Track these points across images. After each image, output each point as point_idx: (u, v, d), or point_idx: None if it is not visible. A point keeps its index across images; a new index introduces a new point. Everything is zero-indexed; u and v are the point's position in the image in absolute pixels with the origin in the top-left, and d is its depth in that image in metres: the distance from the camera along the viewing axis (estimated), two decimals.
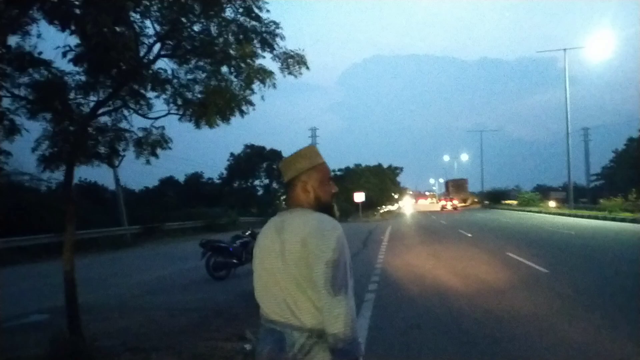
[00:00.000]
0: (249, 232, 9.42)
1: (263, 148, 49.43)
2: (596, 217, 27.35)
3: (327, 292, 1.48)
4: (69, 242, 4.82)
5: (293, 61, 5.44)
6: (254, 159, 47.92)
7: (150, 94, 6.04)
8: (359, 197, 35.99)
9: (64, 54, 4.80)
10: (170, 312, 6.72)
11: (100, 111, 5.49)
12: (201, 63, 5.79)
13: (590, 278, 8.19)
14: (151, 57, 5.47)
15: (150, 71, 5.60)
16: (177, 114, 5.79)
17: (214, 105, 5.48)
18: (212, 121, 5.63)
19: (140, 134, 6.20)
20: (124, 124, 6.09)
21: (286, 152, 54.14)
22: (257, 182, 50.74)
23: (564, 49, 35.20)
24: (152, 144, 6.19)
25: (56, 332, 4.60)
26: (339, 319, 1.47)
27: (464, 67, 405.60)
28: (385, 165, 66.33)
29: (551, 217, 31.77)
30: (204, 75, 5.93)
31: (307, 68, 5.62)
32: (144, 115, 6.03)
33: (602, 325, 5.23)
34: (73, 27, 4.46)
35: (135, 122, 6.19)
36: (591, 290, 7.14)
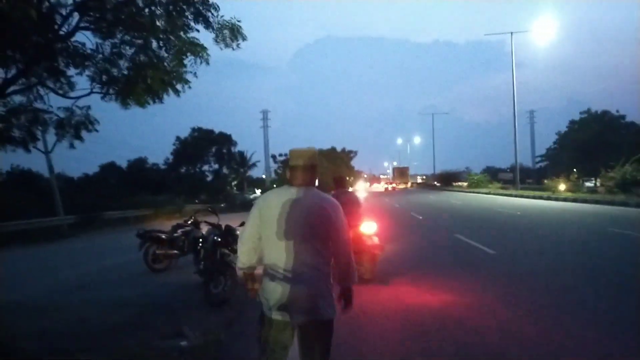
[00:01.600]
0: (191, 220, 8.89)
1: (212, 131, 48.15)
2: (541, 197, 28.56)
3: (347, 238, 2.54)
4: None
5: (229, 32, 5.03)
6: (202, 143, 46.59)
7: (72, 71, 5.46)
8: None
9: None
10: (103, 309, 6.21)
11: (11, 89, 4.86)
12: (128, 37, 5.26)
13: (534, 259, 8.34)
14: (69, 29, 4.89)
15: (68, 45, 5.01)
16: (100, 92, 5.24)
17: (143, 82, 4.98)
18: (141, 99, 5.14)
19: (62, 115, 5.61)
20: (42, 105, 5.48)
21: (237, 136, 52.99)
22: (206, 167, 49.46)
23: (511, 33, 36.22)
24: (75, 126, 5.63)
25: None
26: (353, 257, 2.60)
27: (416, 50, 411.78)
28: (339, 149, 66.61)
29: (499, 198, 32.90)
30: (131, 50, 5.39)
31: (244, 39, 5.22)
32: (63, 95, 5.43)
33: (545, 306, 5.26)
34: None
35: (59, 102, 5.59)
36: (535, 271, 7.24)
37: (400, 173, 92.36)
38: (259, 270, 2.61)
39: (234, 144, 52.21)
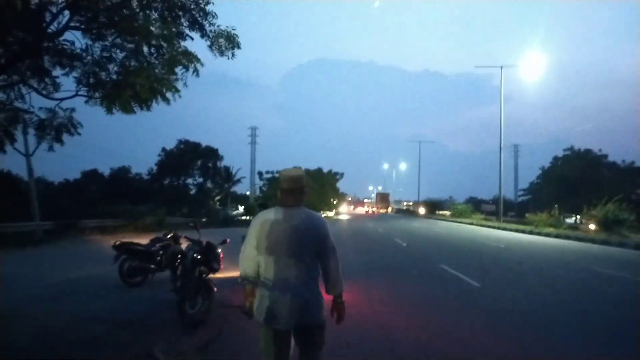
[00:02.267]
0: (171, 234, 8.54)
1: (198, 144, 47.65)
2: (523, 231, 28.65)
3: (334, 253, 2.86)
4: None
5: (224, 41, 4.87)
6: (188, 155, 46.05)
7: (58, 71, 5.24)
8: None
9: None
10: (69, 323, 5.86)
11: None
12: (119, 40, 5.06)
13: (518, 293, 8.20)
14: (58, 28, 4.68)
15: (56, 43, 4.79)
16: (85, 95, 5.00)
17: (131, 88, 4.77)
18: (127, 106, 4.92)
19: (43, 116, 5.35)
20: (22, 104, 5.22)
21: (224, 150, 52.89)
22: (190, 181, 48.77)
23: (501, 67, 36.86)
24: (57, 128, 5.37)
25: None
26: (339, 270, 2.90)
27: (406, 78, 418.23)
28: (325, 170, 66.44)
29: (482, 229, 32.96)
30: (122, 54, 5.19)
31: (239, 47, 5.06)
32: (47, 95, 5.18)
33: (531, 342, 5.09)
34: None
35: (41, 103, 5.33)
36: (520, 307, 7.09)
37: (382, 198, 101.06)
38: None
39: (220, 158, 51.76)
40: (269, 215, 2.82)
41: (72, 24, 4.54)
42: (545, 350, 4.96)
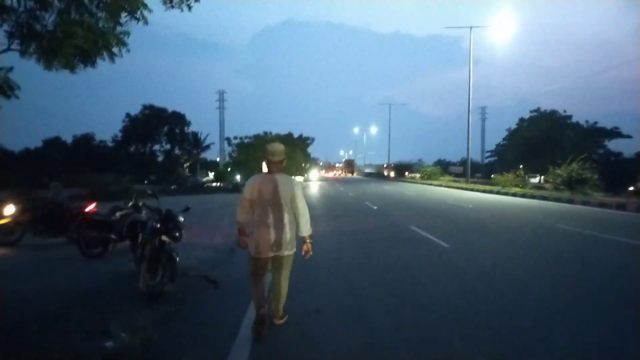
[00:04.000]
0: (131, 203, 8.10)
1: (164, 110, 46.05)
2: (490, 192, 29.20)
3: (303, 205, 4.06)
4: None
5: None
6: (154, 122, 44.51)
7: None
8: (265, 166, 34.98)
9: None
10: (20, 299, 5.47)
11: None
12: None
13: (488, 253, 8.21)
14: None
15: None
16: (18, 50, 4.44)
17: (71, 41, 4.24)
18: (69, 61, 4.39)
19: None
20: None
21: (192, 116, 51.64)
22: (157, 147, 47.41)
23: (470, 27, 36.54)
24: None
25: None
26: (308, 217, 4.12)
27: (377, 40, 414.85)
28: (296, 135, 65.62)
29: (450, 190, 33.42)
30: (60, 4, 4.61)
31: (197, 0, 4.56)
32: None
33: (503, 304, 5.03)
34: None
35: None
36: (489, 267, 7.08)
37: (348, 164, 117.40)
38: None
39: (188, 124, 50.34)
40: (259, 178, 4.10)
41: None
42: (517, 309, 4.91)
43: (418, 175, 62.44)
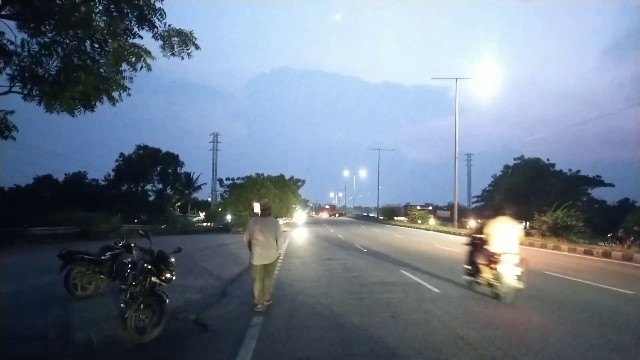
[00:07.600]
0: (122, 242, 8.04)
1: (158, 150, 46.28)
2: None
3: (280, 235, 7.14)
4: None
5: (179, 40, 4.57)
6: (147, 161, 44.60)
7: None
8: (256, 207, 34.92)
9: None
10: (3, 341, 5.34)
11: None
12: (59, 38, 4.65)
13: (478, 299, 8.21)
14: None
15: None
16: (20, 92, 4.57)
17: (74, 85, 4.38)
18: (70, 104, 4.52)
19: None
20: None
21: (185, 157, 51.93)
22: (149, 187, 47.30)
23: (456, 79, 37.94)
24: None
25: None
26: (282, 247, 9.75)
27: (367, 88, 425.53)
28: (288, 176, 65.85)
29: (438, 234, 33.40)
30: (64, 51, 4.79)
31: (197, 47, 4.78)
32: None
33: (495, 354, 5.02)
34: None
35: None
36: (478, 313, 7.08)
37: (332, 208, 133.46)
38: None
39: (181, 164, 50.48)
40: (254, 220, 7.08)
41: (3, 13, 4.14)
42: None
43: (405, 219, 62.64)
